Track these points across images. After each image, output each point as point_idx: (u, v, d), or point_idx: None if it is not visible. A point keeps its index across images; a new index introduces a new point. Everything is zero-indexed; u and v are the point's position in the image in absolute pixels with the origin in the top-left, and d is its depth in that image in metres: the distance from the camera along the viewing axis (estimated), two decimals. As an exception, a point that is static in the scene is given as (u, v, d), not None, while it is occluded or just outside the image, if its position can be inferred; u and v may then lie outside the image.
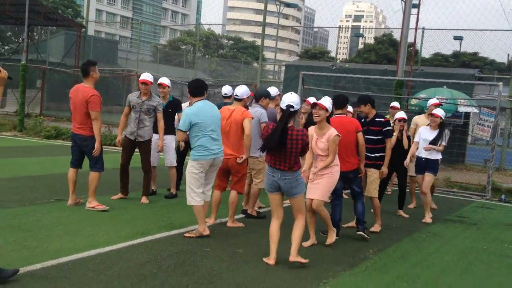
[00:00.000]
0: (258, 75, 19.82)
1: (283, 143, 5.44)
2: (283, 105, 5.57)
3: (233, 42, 67.81)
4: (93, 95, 7.18)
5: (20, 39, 41.36)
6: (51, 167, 10.91)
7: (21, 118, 18.35)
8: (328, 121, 6.23)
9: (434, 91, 15.48)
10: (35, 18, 24.08)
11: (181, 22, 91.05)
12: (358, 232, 6.94)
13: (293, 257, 5.57)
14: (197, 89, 6.54)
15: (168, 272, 5.05)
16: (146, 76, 8.13)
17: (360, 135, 6.86)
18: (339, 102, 6.95)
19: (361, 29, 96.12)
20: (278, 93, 8.57)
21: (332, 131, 6.13)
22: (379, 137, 7.52)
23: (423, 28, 21.62)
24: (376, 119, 7.57)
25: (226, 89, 8.30)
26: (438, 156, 8.56)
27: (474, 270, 6.07)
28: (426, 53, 44.33)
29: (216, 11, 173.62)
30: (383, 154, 7.54)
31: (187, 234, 6.39)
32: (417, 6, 17.66)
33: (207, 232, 6.42)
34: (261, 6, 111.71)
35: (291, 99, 5.54)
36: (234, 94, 7.36)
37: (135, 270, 5.05)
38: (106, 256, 5.39)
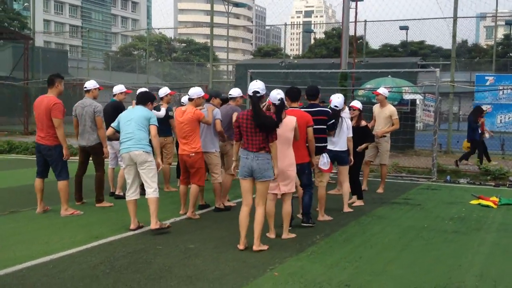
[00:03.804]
0: (210, 76, 20.05)
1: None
2: (249, 92, 5.99)
3: (185, 44, 67.63)
4: (56, 103, 7.46)
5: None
6: (4, 182, 10.87)
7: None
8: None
9: (379, 81, 16.01)
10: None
11: (131, 27, 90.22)
12: (303, 224, 7.24)
13: (256, 246, 5.97)
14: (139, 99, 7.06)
15: (121, 271, 5.25)
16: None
17: (310, 130, 6.90)
18: (293, 95, 7.02)
19: (312, 25, 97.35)
20: (241, 94, 8.78)
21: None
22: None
23: (365, 21, 22.27)
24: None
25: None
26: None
27: (413, 246, 6.46)
28: (375, 44, 45.47)
29: (166, 15, 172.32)
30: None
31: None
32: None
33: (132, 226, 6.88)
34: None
35: (255, 85, 5.99)
36: (188, 94, 7.82)
37: (88, 271, 5.23)
38: (59, 261, 5.54)
